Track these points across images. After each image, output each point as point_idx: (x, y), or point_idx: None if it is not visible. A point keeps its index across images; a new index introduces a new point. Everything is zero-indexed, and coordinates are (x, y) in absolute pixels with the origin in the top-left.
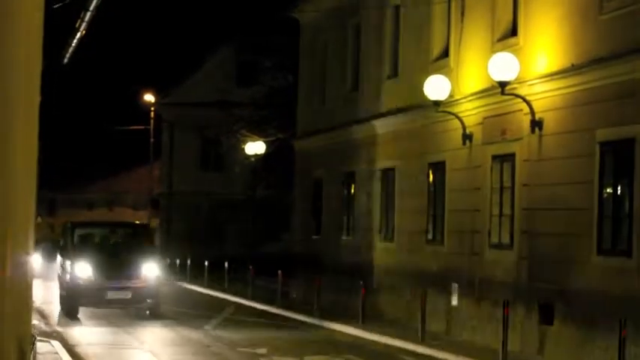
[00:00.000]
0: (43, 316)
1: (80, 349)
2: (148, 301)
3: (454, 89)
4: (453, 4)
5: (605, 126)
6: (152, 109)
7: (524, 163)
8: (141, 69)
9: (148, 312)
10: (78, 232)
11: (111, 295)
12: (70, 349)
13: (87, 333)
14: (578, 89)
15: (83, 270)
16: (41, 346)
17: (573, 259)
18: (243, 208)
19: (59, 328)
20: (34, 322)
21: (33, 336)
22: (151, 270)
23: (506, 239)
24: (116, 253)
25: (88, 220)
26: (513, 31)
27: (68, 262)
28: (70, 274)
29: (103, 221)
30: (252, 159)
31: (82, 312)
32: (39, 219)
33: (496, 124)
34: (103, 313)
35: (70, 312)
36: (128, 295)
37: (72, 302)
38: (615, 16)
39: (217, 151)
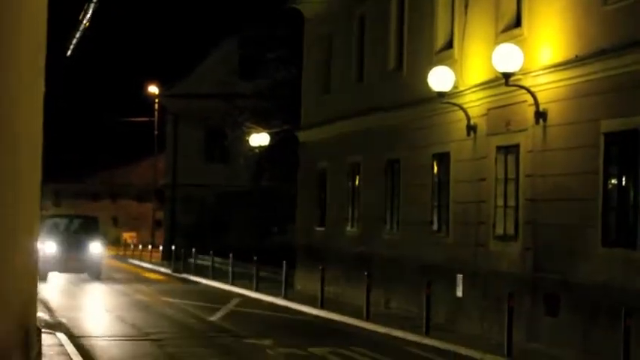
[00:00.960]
0: (48, 307)
1: (85, 341)
2: (94, 269)
3: (458, 80)
4: None
5: (609, 117)
6: (156, 100)
7: (528, 154)
8: (145, 61)
9: (97, 277)
10: (48, 221)
11: (69, 264)
12: (75, 341)
13: (91, 324)
14: (583, 80)
15: (51, 247)
16: (46, 338)
17: (578, 250)
18: (248, 199)
19: (64, 320)
20: (39, 313)
21: (38, 328)
22: (96, 248)
23: (510, 230)
24: (73, 236)
25: (56, 213)
26: (517, 22)
27: (41, 242)
28: (42, 250)
29: (65, 214)
30: (257, 150)
31: (85, 302)
32: (43, 212)
33: (500, 116)
34: (104, 303)
35: (42, 277)
36: (80, 264)
37: (43, 270)
38: (619, 7)
39: (221, 143)
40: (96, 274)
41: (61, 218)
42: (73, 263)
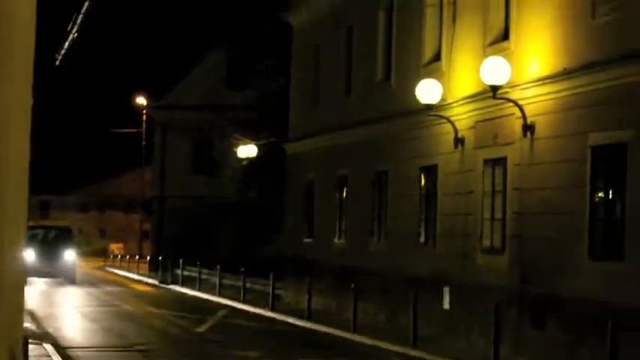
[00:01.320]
0: (34, 317)
1: (73, 352)
2: (68, 274)
3: (446, 93)
4: (444, 8)
5: (596, 130)
6: (144, 112)
7: (515, 167)
8: (133, 72)
9: (71, 281)
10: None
11: (45, 269)
12: (62, 352)
13: (78, 334)
14: (570, 94)
15: (29, 255)
16: (33, 349)
17: (565, 264)
18: (235, 211)
19: (51, 330)
20: (26, 324)
21: (25, 338)
22: (70, 255)
23: (498, 243)
24: (49, 244)
25: (33, 224)
26: (505, 36)
27: None
28: None
29: (42, 225)
30: (244, 162)
31: (72, 312)
32: (30, 222)
33: (488, 128)
34: (91, 313)
35: None
36: (55, 270)
37: None
38: (607, 21)
39: (209, 155)
40: (70, 278)
41: (38, 229)
42: (48, 269)
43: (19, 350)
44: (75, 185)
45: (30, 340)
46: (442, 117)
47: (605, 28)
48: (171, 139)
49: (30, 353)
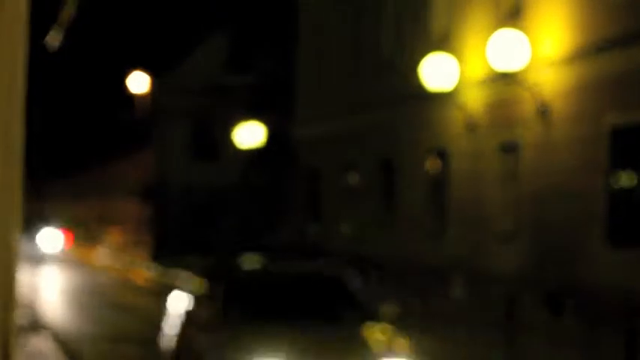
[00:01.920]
0: (29, 307)
1: (70, 343)
2: (52, 256)
3: (457, 75)
4: None
5: (614, 111)
6: (145, 96)
7: (530, 150)
8: (132, 54)
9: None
10: None
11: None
12: (59, 342)
13: (75, 324)
14: (587, 74)
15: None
16: (29, 339)
17: (582, 250)
18: (239, 197)
19: (47, 320)
20: (20, 313)
21: (19, 329)
22: (49, 240)
23: (511, 229)
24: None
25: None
26: (519, 14)
27: None
28: None
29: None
30: (248, 147)
31: (68, 302)
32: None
33: (501, 110)
34: (87, 302)
35: None
36: (37, 252)
37: None
38: None
39: (212, 139)
40: (54, 260)
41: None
42: (31, 252)
43: (14, 341)
44: (72, 172)
45: (25, 331)
46: (454, 99)
47: (624, 5)
48: (171, 124)
49: (26, 344)
